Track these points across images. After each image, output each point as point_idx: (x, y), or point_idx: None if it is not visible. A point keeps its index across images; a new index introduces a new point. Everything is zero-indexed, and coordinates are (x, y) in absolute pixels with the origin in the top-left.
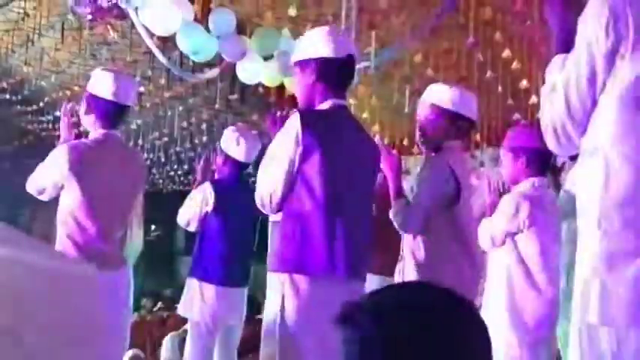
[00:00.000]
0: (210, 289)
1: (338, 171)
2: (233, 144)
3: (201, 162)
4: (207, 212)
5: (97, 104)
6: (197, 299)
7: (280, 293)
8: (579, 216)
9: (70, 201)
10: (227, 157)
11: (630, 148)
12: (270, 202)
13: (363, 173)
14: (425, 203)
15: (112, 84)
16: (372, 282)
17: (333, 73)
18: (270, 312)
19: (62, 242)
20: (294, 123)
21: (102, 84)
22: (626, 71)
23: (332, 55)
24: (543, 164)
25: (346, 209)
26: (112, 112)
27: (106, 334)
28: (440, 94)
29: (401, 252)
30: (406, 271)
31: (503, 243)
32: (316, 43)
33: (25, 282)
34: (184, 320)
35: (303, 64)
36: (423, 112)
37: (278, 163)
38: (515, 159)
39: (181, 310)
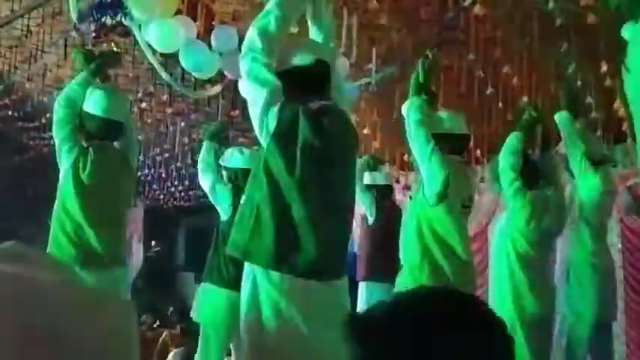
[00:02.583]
0: (222, 293)
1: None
2: (225, 156)
3: None
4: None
5: (90, 121)
6: (208, 303)
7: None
8: None
9: (66, 198)
10: (226, 170)
11: None
12: None
13: (342, 169)
14: None
15: (103, 101)
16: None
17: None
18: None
19: (56, 238)
20: None
21: (94, 101)
22: None
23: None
24: None
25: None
26: (104, 129)
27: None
28: None
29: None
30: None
31: None
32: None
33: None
34: (184, 336)
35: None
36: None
37: None
38: None
39: (194, 315)
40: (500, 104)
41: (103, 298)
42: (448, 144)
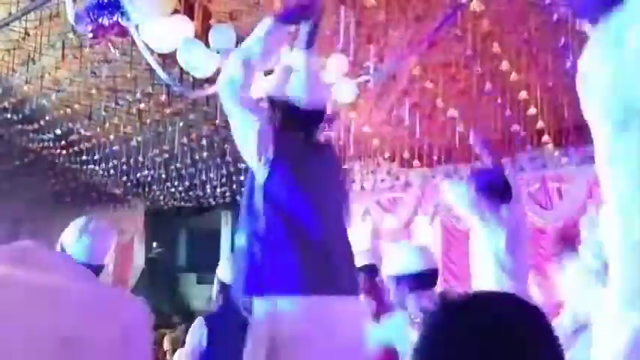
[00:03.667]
0: None
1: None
2: (221, 270)
3: None
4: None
5: None
6: None
7: None
8: None
9: None
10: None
11: None
12: None
13: (337, 194)
14: None
15: (86, 246)
16: None
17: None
18: None
19: None
20: None
21: (74, 244)
22: None
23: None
24: None
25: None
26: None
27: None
28: None
29: None
30: None
31: None
32: None
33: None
34: (185, 337)
35: None
36: None
37: None
38: None
39: None
40: (499, 100)
41: (120, 300)
42: None
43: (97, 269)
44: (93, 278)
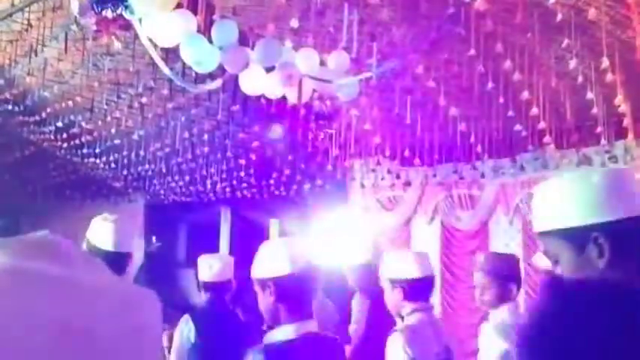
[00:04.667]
0: None
1: None
2: (204, 269)
3: None
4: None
5: (97, 254)
6: None
7: None
8: None
9: None
10: (204, 284)
11: None
12: None
13: None
14: None
15: (112, 234)
16: None
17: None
18: None
19: None
20: None
21: (101, 234)
22: None
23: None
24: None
25: None
26: (112, 261)
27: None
28: None
29: None
30: None
31: None
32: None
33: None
34: None
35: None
36: None
37: None
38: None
39: None
40: (501, 99)
41: (135, 295)
42: None
43: (126, 257)
44: (107, 271)
